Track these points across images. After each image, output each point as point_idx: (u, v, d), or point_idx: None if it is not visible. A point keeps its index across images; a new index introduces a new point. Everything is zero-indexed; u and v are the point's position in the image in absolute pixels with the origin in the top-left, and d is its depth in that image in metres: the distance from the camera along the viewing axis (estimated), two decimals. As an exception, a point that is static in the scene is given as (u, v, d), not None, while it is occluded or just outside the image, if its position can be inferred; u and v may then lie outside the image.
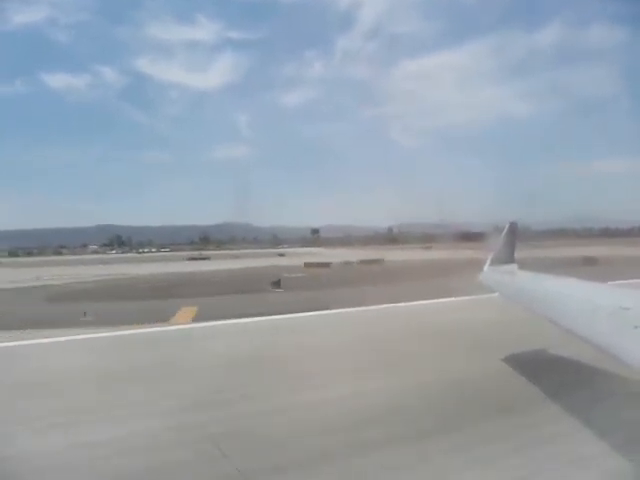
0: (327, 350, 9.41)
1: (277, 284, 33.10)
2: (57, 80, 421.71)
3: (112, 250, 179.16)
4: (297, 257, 66.48)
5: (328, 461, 4.88)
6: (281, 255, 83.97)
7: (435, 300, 16.37)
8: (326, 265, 52.11)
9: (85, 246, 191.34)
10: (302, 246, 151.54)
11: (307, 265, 51.72)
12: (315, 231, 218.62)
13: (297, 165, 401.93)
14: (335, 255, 67.23)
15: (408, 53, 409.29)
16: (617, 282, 14.43)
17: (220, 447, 5.17)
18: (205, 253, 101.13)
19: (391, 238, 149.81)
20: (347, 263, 56.10)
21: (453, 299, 15.94)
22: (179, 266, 59.31)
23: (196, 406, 6.40)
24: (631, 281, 16.52)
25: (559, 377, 7.10)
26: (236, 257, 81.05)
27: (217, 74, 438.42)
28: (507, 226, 8.22)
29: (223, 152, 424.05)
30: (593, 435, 4.82)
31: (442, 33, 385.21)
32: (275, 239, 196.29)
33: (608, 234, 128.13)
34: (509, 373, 7.36)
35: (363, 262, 56.10)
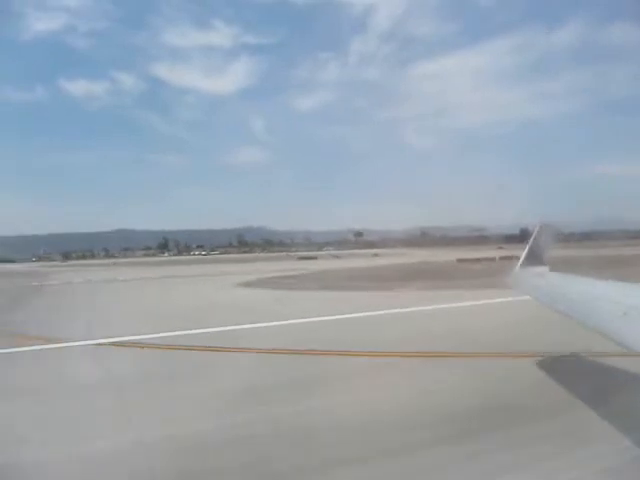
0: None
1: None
2: (76, 86, 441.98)
3: (164, 253, 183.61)
4: (404, 256, 64.57)
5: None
6: (376, 255, 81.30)
7: (465, 302, 16.37)
8: (478, 261, 49.07)
9: (127, 249, 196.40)
10: (350, 248, 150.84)
11: (460, 261, 50.46)
12: (359, 234, 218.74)
13: (314, 169, 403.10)
14: (432, 255, 65.14)
15: (424, 54, 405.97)
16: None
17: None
18: (304, 254, 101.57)
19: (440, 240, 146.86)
20: (504, 258, 49.75)
21: (482, 302, 15.98)
22: (321, 264, 57.13)
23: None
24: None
25: (591, 382, 7.00)
26: (337, 257, 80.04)
27: (233, 78, 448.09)
28: (537, 227, 8.10)
29: (240, 156, 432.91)
30: (625, 444, 4.71)
31: (459, 33, 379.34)
32: (309, 242, 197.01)
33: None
34: (539, 377, 7.32)
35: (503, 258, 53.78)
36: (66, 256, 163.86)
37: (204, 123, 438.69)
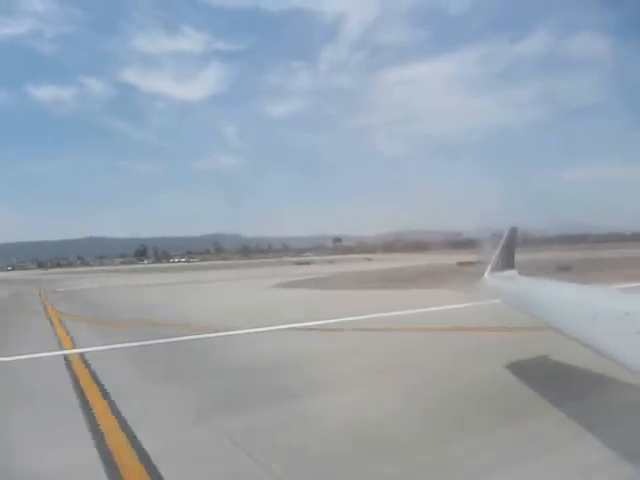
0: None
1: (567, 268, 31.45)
2: (43, 92, 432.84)
3: (142, 261, 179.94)
4: (400, 261, 63.80)
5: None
6: (369, 260, 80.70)
7: (437, 307, 16.40)
8: (472, 264, 50.02)
9: (102, 257, 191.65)
10: (329, 254, 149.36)
11: (460, 264, 51.07)
12: (337, 239, 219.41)
13: (287, 175, 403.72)
14: (423, 258, 65.94)
15: (395, 62, 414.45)
16: (619, 286, 14.60)
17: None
18: (301, 259, 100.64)
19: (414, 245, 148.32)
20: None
21: (453, 306, 16.07)
22: (324, 268, 55.72)
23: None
24: (633, 285, 16.66)
25: (561, 384, 7.05)
26: (331, 262, 78.99)
27: (204, 85, 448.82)
28: (507, 231, 8.18)
29: (212, 162, 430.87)
30: (596, 443, 4.74)
31: (429, 41, 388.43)
32: (287, 248, 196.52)
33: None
34: (510, 380, 7.30)
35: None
36: (40, 264, 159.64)
37: (176, 129, 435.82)
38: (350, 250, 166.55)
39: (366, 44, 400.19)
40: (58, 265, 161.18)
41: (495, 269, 7.64)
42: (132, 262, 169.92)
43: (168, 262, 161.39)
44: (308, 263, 78.14)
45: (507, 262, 7.75)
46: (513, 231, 8.17)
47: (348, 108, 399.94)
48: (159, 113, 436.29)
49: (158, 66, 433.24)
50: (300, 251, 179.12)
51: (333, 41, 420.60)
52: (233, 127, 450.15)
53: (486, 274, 7.64)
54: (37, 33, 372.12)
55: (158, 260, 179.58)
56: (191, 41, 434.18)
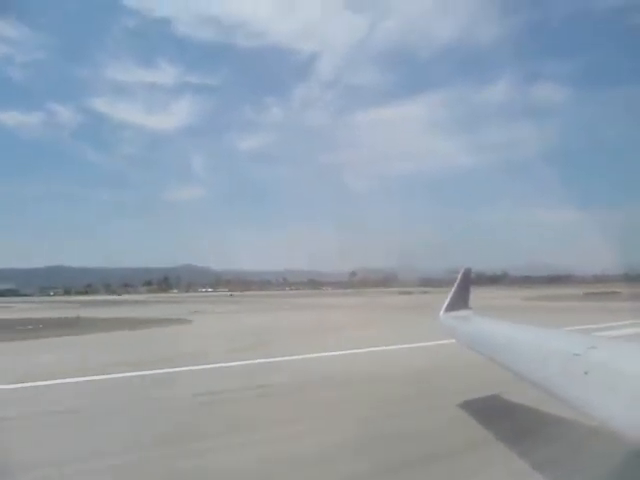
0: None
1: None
2: (9, 117, 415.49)
3: (173, 289, 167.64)
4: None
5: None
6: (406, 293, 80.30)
7: (393, 346, 16.69)
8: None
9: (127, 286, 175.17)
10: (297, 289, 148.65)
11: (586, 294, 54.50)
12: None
13: (251, 208, 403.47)
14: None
15: (364, 103, 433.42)
16: (570, 328, 15.38)
17: None
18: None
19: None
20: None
21: (408, 345, 16.42)
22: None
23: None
24: (585, 327, 17.70)
25: (510, 422, 7.19)
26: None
27: (175, 117, 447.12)
28: (462, 271, 8.42)
29: (178, 193, 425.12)
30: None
31: (398, 86, 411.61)
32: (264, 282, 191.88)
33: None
34: (461, 418, 7.43)
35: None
36: (66, 291, 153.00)
37: (144, 159, 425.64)
38: (319, 285, 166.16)
39: (337, 84, 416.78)
40: (86, 292, 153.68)
41: (450, 309, 7.78)
42: (161, 290, 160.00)
43: (196, 292, 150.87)
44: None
45: (462, 302, 7.92)
46: (467, 271, 8.39)
47: (317, 145, 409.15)
48: (128, 142, 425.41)
49: (129, 96, 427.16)
50: (262, 284, 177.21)
51: (306, 80, 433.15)
52: (202, 159, 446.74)
53: (441, 313, 7.77)
54: (7, 59, 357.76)
55: (186, 290, 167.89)
56: (164, 73, 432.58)
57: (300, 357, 15.23)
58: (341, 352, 15.71)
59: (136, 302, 74.49)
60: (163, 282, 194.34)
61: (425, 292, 76.32)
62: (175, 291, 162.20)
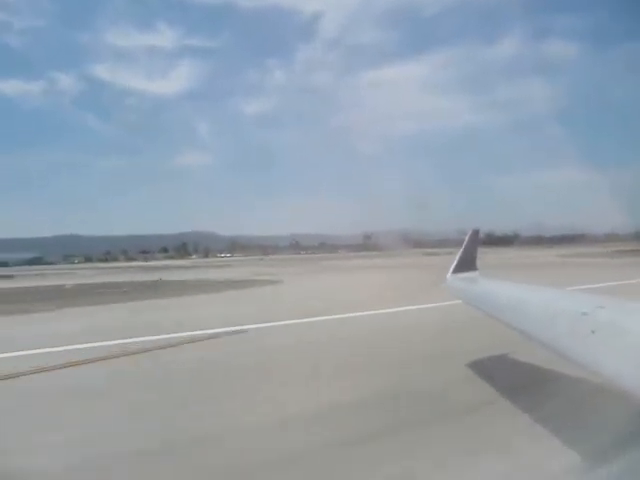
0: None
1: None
2: (10, 86, 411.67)
3: (191, 255, 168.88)
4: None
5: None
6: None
7: (400, 308, 16.77)
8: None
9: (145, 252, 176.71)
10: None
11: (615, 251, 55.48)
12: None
13: (259, 173, 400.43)
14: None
15: (368, 63, 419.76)
16: (577, 287, 15.61)
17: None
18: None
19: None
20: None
21: (417, 307, 16.51)
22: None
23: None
24: (592, 286, 18.00)
25: (518, 381, 7.27)
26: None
27: (177, 81, 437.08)
28: (469, 233, 8.30)
29: (184, 159, 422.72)
30: (548, 437, 4.93)
31: (402, 44, 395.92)
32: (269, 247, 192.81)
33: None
34: (470, 378, 7.53)
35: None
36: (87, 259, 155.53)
37: (147, 125, 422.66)
38: (335, 248, 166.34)
39: (341, 44, 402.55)
40: (106, 260, 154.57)
41: (457, 270, 7.73)
42: (179, 256, 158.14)
43: (215, 257, 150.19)
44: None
45: (469, 263, 7.87)
46: (475, 233, 8.29)
47: (322, 107, 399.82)
48: (130, 108, 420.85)
49: (130, 61, 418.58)
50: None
51: (309, 40, 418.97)
52: (206, 124, 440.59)
53: (448, 275, 7.72)
54: (5, 26, 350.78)
55: (204, 255, 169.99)
56: (164, 37, 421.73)
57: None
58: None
59: (179, 267, 67.07)
60: (181, 248, 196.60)
61: (450, 253, 74.97)
62: (194, 257, 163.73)
